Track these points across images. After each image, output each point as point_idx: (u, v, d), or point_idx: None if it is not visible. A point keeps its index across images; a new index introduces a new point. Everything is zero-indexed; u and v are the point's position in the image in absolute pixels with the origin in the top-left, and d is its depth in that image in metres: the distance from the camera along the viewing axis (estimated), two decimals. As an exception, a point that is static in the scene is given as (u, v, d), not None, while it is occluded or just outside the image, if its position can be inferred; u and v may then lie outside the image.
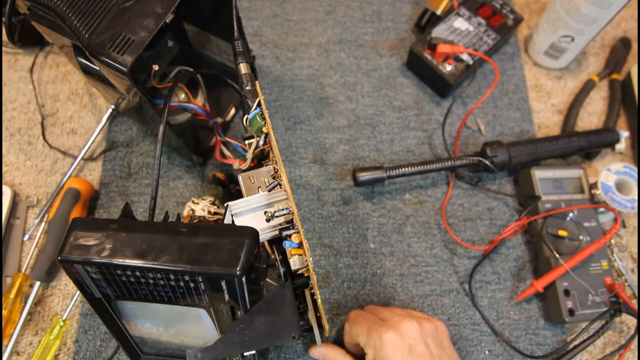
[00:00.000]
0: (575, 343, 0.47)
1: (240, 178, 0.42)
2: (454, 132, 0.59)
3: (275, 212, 0.38)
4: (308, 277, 0.38)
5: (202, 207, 0.46)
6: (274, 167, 0.42)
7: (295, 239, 0.37)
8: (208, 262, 0.32)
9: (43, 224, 0.53)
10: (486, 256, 0.52)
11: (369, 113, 0.59)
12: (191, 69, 0.50)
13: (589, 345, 0.46)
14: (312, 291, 0.39)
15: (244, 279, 0.32)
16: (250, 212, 0.40)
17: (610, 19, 0.53)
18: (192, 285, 0.33)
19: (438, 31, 0.59)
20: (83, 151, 0.54)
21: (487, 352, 0.49)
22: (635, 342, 0.49)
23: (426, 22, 0.62)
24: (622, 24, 0.66)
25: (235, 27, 0.44)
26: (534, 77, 0.63)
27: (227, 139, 0.50)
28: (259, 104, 0.39)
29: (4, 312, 0.47)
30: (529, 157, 0.54)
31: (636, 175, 0.52)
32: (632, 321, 0.51)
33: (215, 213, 0.46)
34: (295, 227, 0.37)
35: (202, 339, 0.41)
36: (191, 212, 0.46)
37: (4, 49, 0.61)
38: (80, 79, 0.60)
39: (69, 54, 0.43)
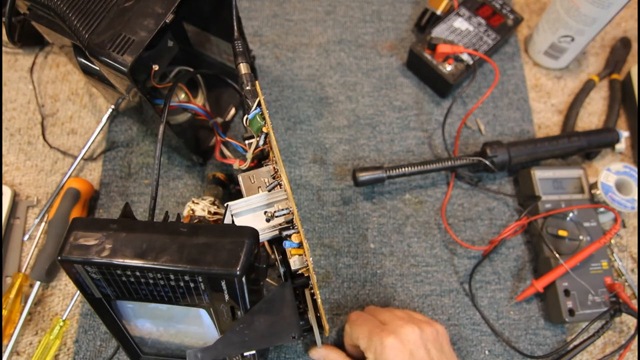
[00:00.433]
0: (575, 343, 0.47)
1: (240, 178, 0.42)
2: (454, 132, 0.59)
3: (275, 212, 0.38)
4: (308, 277, 0.38)
5: (202, 207, 0.46)
6: (274, 167, 0.42)
7: (295, 239, 0.37)
8: (208, 262, 0.32)
9: (43, 224, 0.53)
10: (486, 256, 0.52)
11: (369, 113, 0.59)
12: (191, 69, 0.50)
13: (589, 345, 0.46)
14: (312, 291, 0.39)
15: (244, 279, 0.32)
16: (250, 212, 0.40)
17: (610, 19, 0.53)
18: (192, 285, 0.33)
19: (438, 31, 0.59)
20: (83, 151, 0.54)
21: (487, 352, 0.49)
22: (635, 342, 0.49)
23: (426, 22, 0.62)
24: (622, 24, 0.66)
25: (235, 27, 0.44)
26: (534, 77, 0.63)
27: (227, 139, 0.50)
28: (259, 104, 0.39)
29: (4, 312, 0.47)
30: (529, 157, 0.54)
31: (636, 175, 0.52)
32: (632, 321, 0.51)
33: (215, 213, 0.46)
34: (295, 227, 0.37)
35: (202, 339, 0.41)
36: (191, 212, 0.46)
37: (4, 49, 0.61)
38: (80, 79, 0.60)
39: (69, 54, 0.43)
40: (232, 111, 0.57)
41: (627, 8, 0.67)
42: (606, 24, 0.54)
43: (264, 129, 0.38)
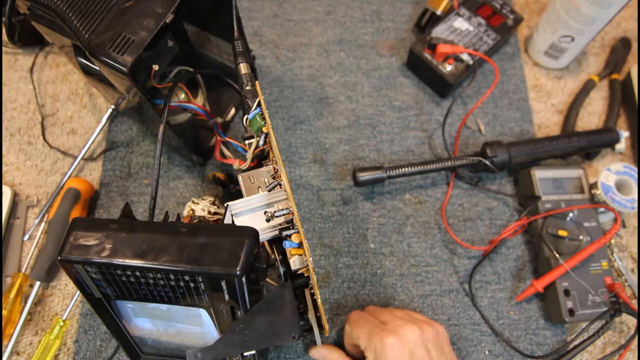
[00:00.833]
0: (575, 343, 0.47)
1: (240, 178, 0.42)
2: (454, 132, 0.59)
3: (275, 212, 0.38)
4: (308, 277, 0.38)
5: (202, 207, 0.46)
6: (274, 167, 0.42)
7: (295, 239, 0.37)
8: (208, 262, 0.32)
9: (43, 224, 0.53)
10: (486, 256, 0.52)
11: (369, 113, 0.59)
12: (191, 69, 0.50)
13: (589, 345, 0.46)
14: (312, 291, 0.39)
15: (244, 279, 0.32)
16: (250, 212, 0.40)
17: (610, 19, 0.53)
18: (192, 285, 0.33)
19: (438, 31, 0.59)
20: (83, 151, 0.54)
21: (487, 352, 0.49)
22: (635, 342, 0.49)
23: (426, 22, 0.62)
24: (622, 24, 0.66)
25: (235, 27, 0.44)
26: (534, 77, 0.63)
27: (227, 139, 0.50)
28: (259, 104, 0.39)
29: (4, 312, 0.47)
30: (529, 157, 0.54)
31: (636, 175, 0.52)
32: (632, 321, 0.51)
33: (215, 213, 0.46)
34: (295, 227, 0.37)
35: (202, 339, 0.41)
36: (191, 212, 0.46)
37: (4, 49, 0.61)
38: (80, 79, 0.60)
39: (69, 54, 0.43)
40: (232, 111, 0.57)
41: (627, 8, 0.67)
42: (606, 24, 0.54)
43: (264, 129, 0.38)
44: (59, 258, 0.32)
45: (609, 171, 0.53)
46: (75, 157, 0.55)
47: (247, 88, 0.42)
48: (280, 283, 0.39)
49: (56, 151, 0.56)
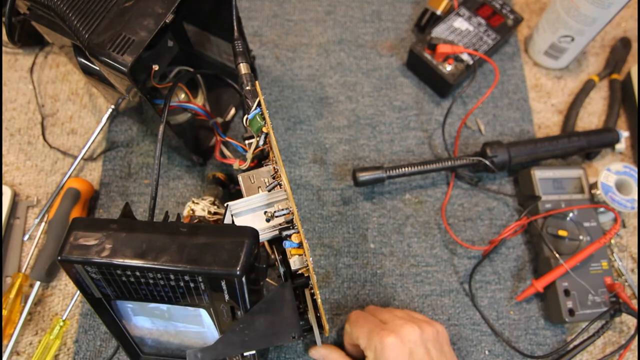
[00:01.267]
0: (575, 343, 0.47)
1: (240, 178, 0.42)
2: (454, 132, 0.59)
3: (275, 212, 0.38)
4: (308, 277, 0.38)
5: (202, 207, 0.46)
6: (274, 167, 0.42)
7: (295, 239, 0.37)
8: (208, 262, 0.32)
9: (43, 224, 0.53)
10: (486, 256, 0.52)
11: (369, 113, 0.59)
12: (191, 69, 0.50)
13: (589, 345, 0.46)
14: (312, 291, 0.39)
15: (244, 279, 0.32)
16: (250, 212, 0.40)
17: (610, 19, 0.53)
18: (192, 285, 0.33)
19: (438, 31, 0.59)
20: (83, 151, 0.54)
21: (487, 352, 0.49)
22: (635, 342, 0.49)
23: (426, 22, 0.62)
24: (622, 24, 0.66)
25: (235, 27, 0.44)
26: (534, 77, 0.63)
27: (227, 139, 0.50)
28: (259, 104, 0.39)
29: (4, 312, 0.47)
30: (529, 157, 0.54)
31: (636, 175, 0.52)
32: (632, 321, 0.51)
33: (215, 213, 0.46)
34: (295, 227, 0.37)
35: (202, 339, 0.41)
36: (191, 212, 0.46)
37: (4, 49, 0.61)
38: (80, 79, 0.60)
39: (69, 54, 0.43)
40: (232, 111, 0.57)
41: (627, 8, 0.67)
42: (606, 24, 0.54)
43: (264, 129, 0.38)
44: (59, 258, 0.32)
45: (609, 171, 0.53)
46: (75, 157, 0.55)
47: (247, 88, 0.42)
48: (280, 283, 0.39)
49: (56, 151, 0.56)
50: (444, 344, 0.42)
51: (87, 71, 0.42)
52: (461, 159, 0.54)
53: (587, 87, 0.61)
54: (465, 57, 0.57)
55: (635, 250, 0.54)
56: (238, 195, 0.42)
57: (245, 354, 0.40)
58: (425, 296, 0.51)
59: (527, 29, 0.66)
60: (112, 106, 0.54)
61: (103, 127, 0.55)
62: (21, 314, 0.48)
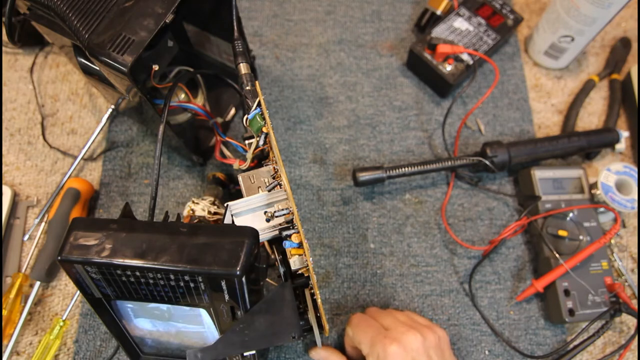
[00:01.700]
0: (575, 343, 0.47)
1: (240, 178, 0.42)
2: (454, 132, 0.59)
3: (275, 212, 0.38)
4: (308, 277, 0.38)
5: (202, 207, 0.46)
6: (274, 167, 0.42)
7: (295, 239, 0.37)
8: (208, 262, 0.32)
9: (43, 224, 0.53)
10: (486, 256, 0.52)
11: (369, 113, 0.59)
12: (191, 69, 0.50)
13: (589, 345, 0.46)
14: (312, 291, 0.39)
15: (244, 279, 0.32)
16: (250, 212, 0.40)
17: (610, 19, 0.53)
18: (192, 285, 0.33)
19: (438, 31, 0.59)
20: (83, 151, 0.54)
21: (487, 352, 0.49)
22: (635, 342, 0.49)
23: (426, 22, 0.62)
24: (622, 24, 0.66)
25: (235, 27, 0.44)
26: (534, 77, 0.63)
27: (227, 139, 0.50)
28: (259, 104, 0.39)
29: (4, 312, 0.47)
30: (529, 157, 0.54)
31: (636, 175, 0.52)
32: (632, 321, 0.51)
33: (215, 213, 0.46)
34: (295, 227, 0.37)
35: (202, 339, 0.41)
36: (191, 212, 0.46)
37: (4, 49, 0.61)
38: (80, 79, 0.60)
39: (69, 54, 0.43)
40: (232, 111, 0.57)
41: (627, 8, 0.67)
42: (606, 24, 0.54)
43: (264, 129, 0.38)
44: (59, 258, 0.32)
45: (609, 171, 0.53)
46: (75, 157, 0.55)
47: (247, 88, 0.42)
48: (280, 283, 0.39)
49: (56, 151, 0.56)
50: (445, 349, 0.42)
51: (87, 71, 0.42)
52: (461, 159, 0.54)
53: (587, 87, 0.61)
54: (465, 57, 0.57)
55: (635, 250, 0.54)
56: (238, 195, 0.42)
57: (245, 354, 0.40)
58: (425, 296, 0.51)
59: (527, 29, 0.66)
60: (112, 106, 0.54)
61: (103, 127, 0.55)
62: (21, 314, 0.48)
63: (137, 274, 0.33)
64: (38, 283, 0.49)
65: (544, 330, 0.50)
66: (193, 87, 0.53)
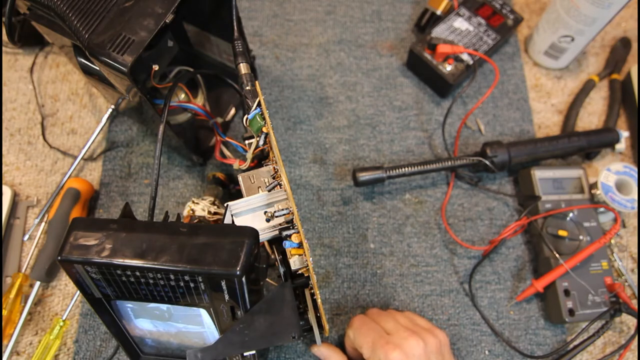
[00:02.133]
0: (575, 343, 0.47)
1: (240, 178, 0.42)
2: (454, 132, 0.59)
3: (275, 212, 0.38)
4: (308, 277, 0.38)
5: (202, 207, 0.46)
6: (274, 167, 0.42)
7: (295, 239, 0.37)
8: (208, 262, 0.32)
9: (43, 224, 0.53)
10: (486, 256, 0.52)
11: (369, 113, 0.59)
12: (191, 69, 0.50)
13: (589, 345, 0.46)
14: (312, 291, 0.39)
15: (244, 279, 0.32)
16: (250, 212, 0.40)
17: (610, 19, 0.53)
18: (192, 285, 0.33)
19: (438, 31, 0.59)
20: (83, 151, 0.54)
21: (487, 352, 0.49)
22: (635, 342, 0.49)
23: (426, 22, 0.62)
24: (622, 24, 0.66)
25: (235, 27, 0.44)
26: (534, 77, 0.63)
27: (227, 139, 0.50)
28: (259, 104, 0.39)
29: (4, 312, 0.47)
30: (529, 157, 0.54)
31: (636, 175, 0.52)
32: (632, 321, 0.51)
33: (215, 213, 0.46)
34: (295, 227, 0.37)
35: (202, 339, 0.41)
36: (191, 212, 0.46)
37: (4, 49, 0.61)
38: (80, 79, 0.60)
39: (69, 54, 0.43)
40: (232, 111, 0.57)
41: (627, 8, 0.67)
42: (606, 24, 0.54)
43: (264, 129, 0.38)
44: (59, 258, 0.32)
45: (609, 171, 0.53)
46: (75, 157, 0.55)
47: (247, 88, 0.42)
48: (280, 283, 0.39)
49: (56, 151, 0.56)
50: (445, 353, 0.42)
51: (87, 71, 0.42)
52: (461, 159, 0.54)
53: (587, 87, 0.61)
54: (465, 57, 0.57)
55: (635, 250, 0.54)
56: (238, 195, 0.42)
57: (245, 354, 0.40)
58: (425, 296, 0.51)
59: (527, 29, 0.65)
60: (112, 106, 0.54)
61: (103, 127, 0.55)
62: (21, 314, 0.48)
63: (137, 274, 0.33)
64: (38, 283, 0.49)
65: (544, 330, 0.50)
66: (193, 87, 0.53)
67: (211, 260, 0.32)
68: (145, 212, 0.54)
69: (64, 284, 0.51)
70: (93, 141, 0.54)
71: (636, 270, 0.53)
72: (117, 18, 0.36)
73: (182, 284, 0.33)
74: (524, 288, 0.51)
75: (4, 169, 0.55)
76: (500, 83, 0.62)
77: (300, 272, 0.38)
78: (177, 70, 0.50)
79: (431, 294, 0.52)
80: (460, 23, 0.60)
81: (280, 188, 0.40)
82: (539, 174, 0.54)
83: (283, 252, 0.40)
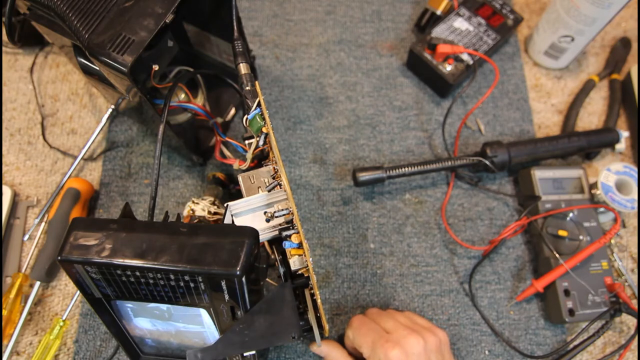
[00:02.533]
0: (575, 343, 0.47)
1: (240, 178, 0.42)
2: (454, 132, 0.59)
3: (275, 212, 0.38)
4: (308, 277, 0.38)
5: (202, 207, 0.46)
6: (274, 167, 0.42)
7: (295, 239, 0.37)
8: (208, 262, 0.32)
9: (43, 224, 0.53)
10: (486, 256, 0.52)
11: (369, 113, 0.59)
12: (191, 69, 0.50)
13: (589, 345, 0.46)
14: (312, 291, 0.39)
15: (244, 279, 0.32)
16: (250, 212, 0.40)
17: (610, 19, 0.53)
18: (192, 285, 0.33)
19: (438, 31, 0.59)
20: (83, 151, 0.54)
21: (487, 352, 0.49)
22: (635, 342, 0.49)
23: (426, 22, 0.62)
24: (622, 24, 0.66)
25: (235, 27, 0.44)
26: (534, 77, 0.63)
27: (227, 139, 0.50)
28: (259, 104, 0.39)
29: (4, 312, 0.47)
30: (529, 157, 0.54)
31: (636, 175, 0.52)
32: (632, 321, 0.51)
33: (215, 213, 0.46)
34: (295, 227, 0.37)
35: (202, 339, 0.41)
36: (191, 212, 0.46)
37: (4, 49, 0.61)
38: (80, 79, 0.60)
39: (69, 54, 0.43)
40: (232, 111, 0.57)
41: (627, 8, 0.67)
42: (606, 24, 0.54)
43: (264, 129, 0.38)
44: (59, 258, 0.32)
45: (609, 171, 0.53)
46: (75, 157, 0.55)
47: (247, 88, 0.42)
48: (280, 283, 0.39)
49: (56, 151, 0.56)
50: (445, 352, 0.42)
51: (87, 71, 0.42)
52: (461, 159, 0.54)
53: (587, 87, 0.61)
54: (465, 57, 0.57)
55: (635, 250, 0.54)
56: (238, 195, 0.42)
57: (245, 354, 0.40)
58: (425, 296, 0.51)
59: (527, 29, 0.65)
60: (112, 106, 0.54)
61: (103, 127, 0.55)
62: (21, 314, 0.48)
63: (137, 274, 0.33)
64: (38, 283, 0.49)
65: (544, 330, 0.50)
66: (193, 87, 0.53)
67: (211, 260, 0.32)
68: (145, 212, 0.54)
69: (64, 284, 0.51)
70: (93, 141, 0.54)
71: (636, 270, 0.53)
72: (117, 18, 0.36)
73: (182, 284, 0.33)
74: (524, 288, 0.51)
75: (4, 169, 0.55)
76: (500, 83, 0.62)
77: (300, 272, 0.38)
78: (177, 70, 0.50)
79: (431, 294, 0.52)
80: (460, 23, 0.60)
81: (280, 188, 0.40)
82: (539, 174, 0.54)
83: (283, 252, 0.40)
